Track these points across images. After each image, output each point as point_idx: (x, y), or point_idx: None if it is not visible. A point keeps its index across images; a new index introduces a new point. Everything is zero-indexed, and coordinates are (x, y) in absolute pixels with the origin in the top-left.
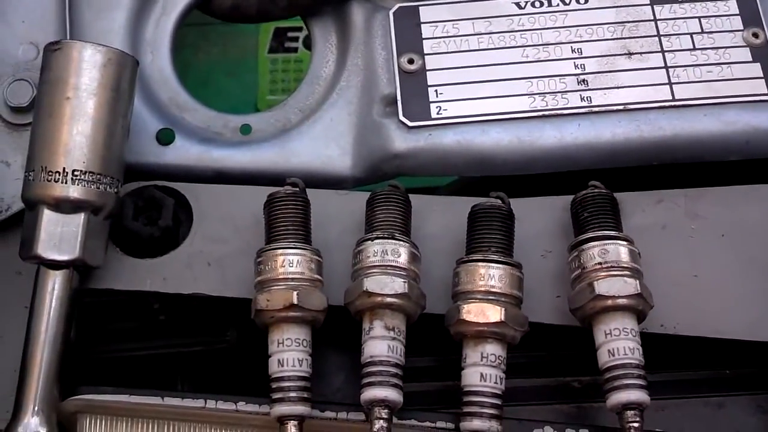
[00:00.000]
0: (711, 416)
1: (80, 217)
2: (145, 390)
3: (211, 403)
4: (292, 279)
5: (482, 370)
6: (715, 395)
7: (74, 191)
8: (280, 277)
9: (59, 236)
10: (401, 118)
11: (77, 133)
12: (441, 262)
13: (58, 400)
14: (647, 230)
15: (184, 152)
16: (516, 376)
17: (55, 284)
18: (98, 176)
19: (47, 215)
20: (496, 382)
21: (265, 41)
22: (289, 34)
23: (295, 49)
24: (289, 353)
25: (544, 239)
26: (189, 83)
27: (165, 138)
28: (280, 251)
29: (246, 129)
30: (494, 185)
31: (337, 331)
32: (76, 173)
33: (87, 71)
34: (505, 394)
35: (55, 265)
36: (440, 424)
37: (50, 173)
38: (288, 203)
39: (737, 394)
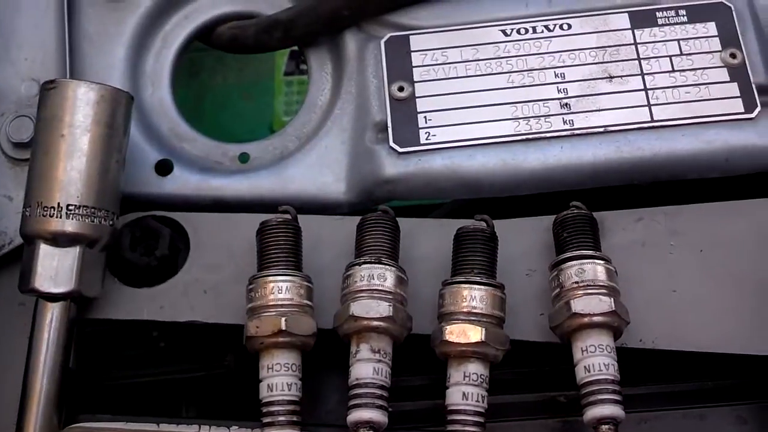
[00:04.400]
0: (692, 428)
1: (76, 250)
2: (141, 417)
3: (204, 429)
4: (281, 305)
5: (464, 389)
6: (695, 407)
7: (69, 225)
8: (270, 303)
9: (55, 269)
10: (392, 144)
11: (71, 169)
12: (431, 283)
13: (57, 428)
14: (627, 248)
15: (182, 182)
16: (504, 393)
17: (53, 316)
18: (93, 210)
19: (44, 249)
20: (478, 401)
21: (281, 64)
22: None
23: None
24: (279, 378)
25: (529, 258)
26: (206, 107)
27: (164, 168)
28: (270, 278)
29: (244, 158)
30: (486, 207)
31: (332, 353)
32: (70, 208)
33: (81, 108)
34: (490, 411)
35: (53, 297)
36: None
37: (45, 208)
38: (279, 231)
39: (718, 406)
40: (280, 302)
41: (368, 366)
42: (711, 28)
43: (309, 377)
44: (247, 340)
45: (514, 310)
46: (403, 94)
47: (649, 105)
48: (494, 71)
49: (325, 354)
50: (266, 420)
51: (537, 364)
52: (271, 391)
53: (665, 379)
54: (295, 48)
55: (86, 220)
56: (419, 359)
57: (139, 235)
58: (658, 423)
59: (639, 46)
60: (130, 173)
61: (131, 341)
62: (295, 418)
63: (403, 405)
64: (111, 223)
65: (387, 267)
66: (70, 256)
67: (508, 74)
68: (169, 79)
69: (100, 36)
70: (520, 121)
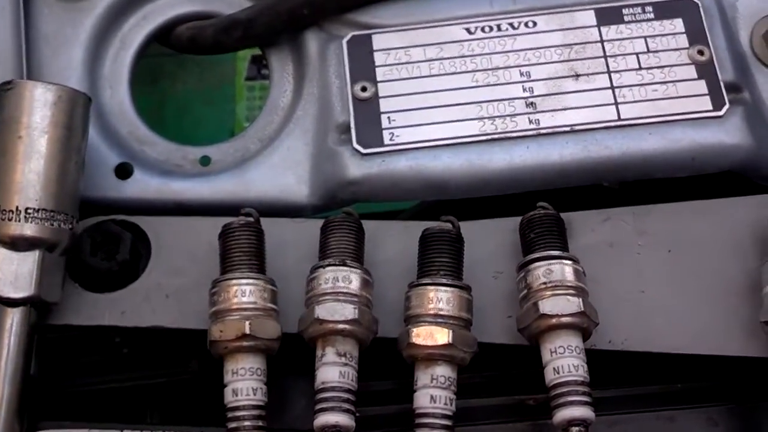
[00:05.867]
0: (662, 430)
1: (35, 255)
2: (105, 424)
3: None
4: (245, 309)
5: (432, 392)
6: (666, 409)
7: (28, 229)
8: (234, 307)
9: (14, 274)
10: (355, 145)
11: (29, 171)
12: (397, 286)
13: None
14: (595, 248)
15: (143, 185)
16: (472, 396)
17: (13, 321)
18: (52, 213)
19: (2, 253)
20: (446, 404)
21: (242, 69)
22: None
23: None
24: (243, 382)
25: (496, 260)
26: (167, 113)
27: (124, 172)
28: (233, 281)
29: (205, 160)
30: (454, 209)
31: (298, 358)
32: (29, 211)
33: (38, 110)
34: (458, 415)
35: (12, 302)
36: None
37: (4, 212)
38: (241, 234)
39: (688, 407)
40: (243, 306)
41: (334, 369)
42: (678, 24)
43: (275, 383)
44: (211, 345)
45: (482, 312)
46: (366, 95)
47: (616, 103)
48: (458, 70)
49: (290, 359)
50: (231, 425)
51: (505, 367)
52: (236, 396)
53: (636, 381)
54: (257, 53)
55: (45, 224)
56: (386, 363)
57: (99, 240)
58: (630, 425)
59: (605, 43)
60: (89, 177)
61: (93, 347)
62: (260, 423)
63: (370, 410)
64: (70, 226)
65: (352, 269)
66: (30, 260)
67: (472, 73)
68: (128, 81)
69: (57, 38)
70: (486, 120)
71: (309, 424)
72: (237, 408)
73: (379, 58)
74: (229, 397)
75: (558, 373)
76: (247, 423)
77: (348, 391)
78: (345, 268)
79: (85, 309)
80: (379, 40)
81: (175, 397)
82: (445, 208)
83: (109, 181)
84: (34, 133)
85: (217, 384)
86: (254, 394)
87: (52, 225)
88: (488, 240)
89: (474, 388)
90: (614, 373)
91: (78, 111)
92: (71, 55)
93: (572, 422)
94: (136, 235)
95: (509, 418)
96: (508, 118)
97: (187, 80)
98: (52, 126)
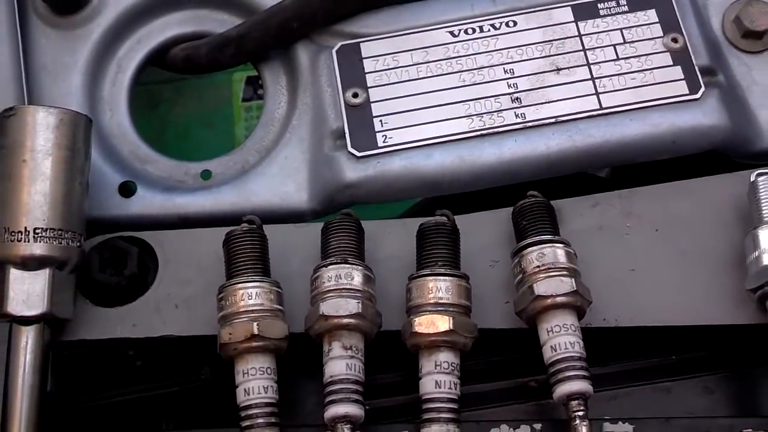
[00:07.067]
0: (661, 401)
1: (46, 273)
2: None
3: None
4: (252, 311)
5: (437, 378)
6: (662, 381)
7: (37, 248)
8: (241, 310)
9: (27, 293)
10: (350, 149)
11: (35, 193)
12: (398, 281)
13: None
14: (585, 232)
15: (147, 202)
16: (477, 382)
17: (27, 339)
18: (60, 232)
19: (14, 274)
20: (450, 388)
21: (238, 90)
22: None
23: None
24: (254, 382)
25: (491, 250)
26: (168, 137)
27: (127, 190)
28: (239, 286)
29: (206, 174)
30: (451, 204)
31: (307, 358)
32: (37, 231)
33: (41, 133)
34: (463, 398)
35: (26, 320)
36: None
37: (13, 233)
38: (245, 240)
39: (684, 378)
40: (251, 308)
41: (341, 363)
42: (651, 15)
43: (286, 384)
44: (221, 348)
45: (481, 300)
46: (357, 101)
47: (596, 93)
48: (445, 71)
49: (300, 360)
50: (245, 424)
51: (507, 352)
52: (248, 395)
53: (633, 356)
54: (252, 74)
55: (54, 243)
56: (393, 357)
57: (107, 256)
58: (628, 399)
59: (583, 37)
60: (94, 197)
61: (108, 362)
62: (273, 420)
63: (379, 402)
64: (78, 244)
65: (353, 266)
66: (41, 278)
67: (458, 73)
68: (127, 103)
69: (56, 65)
70: (474, 117)
71: (321, 419)
72: (249, 406)
73: (368, 65)
74: (241, 397)
75: (555, 350)
76: (260, 420)
77: (356, 382)
78: (347, 265)
79: (98, 324)
80: (367, 48)
81: (189, 405)
82: (441, 205)
83: (114, 200)
84: (38, 156)
85: (230, 388)
86: (266, 392)
87: (61, 243)
88: (483, 231)
89: (478, 374)
90: (611, 350)
91: (80, 132)
92: (70, 81)
93: (571, 396)
94: (143, 249)
95: (513, 401)
96: (495, 113)
97: (185, 104)
98: (56, 148)
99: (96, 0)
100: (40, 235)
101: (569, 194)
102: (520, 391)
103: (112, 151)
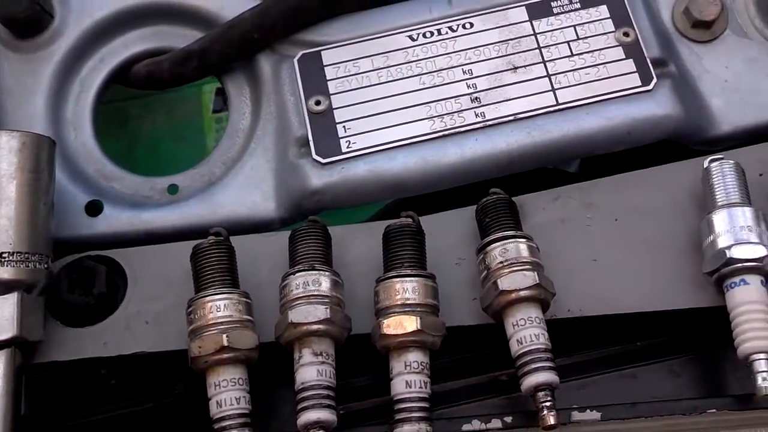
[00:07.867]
0: (627, 387)
1: (14, 297)
2: None
3: None
4: (222, 323)
5: (407, 378)
6: (629, 367)
7: (5, 273)
8: (210, 322)
9: None
10: (314, 156)
11: (1, 217)
12: (366, 284)
13: None
14: (548, 225)
15: (114, 220)
16: (447, 380)
17: None
18: (26, 255)
19: None
20: (421, 387)
21: (208, 102)
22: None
23: None
24: (226, 393)
25: (457, 248)
26: (138, 154)
27: (94, 209)
28: (207, 298)
29: (173, 189)
30: (418, 206)
31: (282, 366)
32: (4, 255)
33: (4, 157)
34: (435, 396)
35: None
36: None
37: None
38: (212, 252)
39: (649, 363)
40: (219, 320)
41: (312, 369)
42: (603, 11)
43: (261, 393)
44: (192, 361)
45: (448, 298)
46: (320, 108)
47: (553, 89)
48: (405, 75)
49: (275, 368)
50: None
51: (476, 348)
52: (221, 407)
53: (599, 345)
54: (219, 84)
55: (21, 266)
56: (365, 360)
57: (76, 277)
58: (596, 387)
59: (538, 35)
60: (60, 217)
61: (82, 382)
62: (247, 430)
63: (353, 405)
64: (46, 266)
65: (321, 272)
66: (10, 302)
67: (418, 76)
68: (91, 122)
69: (19, 89)
70: (435, 119)
71: (296, 427)
72: (222, 418)
73: (329, 72)
74: (214, 409)
75: (521, 344)
76: (234, 431)
77: (327, 387)
78: (314, 272)
79: (69, 344)
80: (328, 56)
81: (164, 421)
82: (411, 207)
83: (81, 219)
84: (2, 179)
85: (204, 402)
86: (238, 403)
87: (28, 266)
88: (449, 230)
89: (448, 371)
90: (578, 340)
91: (43, 154)
92: (34, 103)
93: (538, 387)
94: (112, 267)
95: (485, 396)
96: (455, 114)
97: (155, 120)
98: (19, 171)
99: (57, 22)
100: (7, 259)
101: (535, 189)
102: (492, 385)
103: (77, 170)
